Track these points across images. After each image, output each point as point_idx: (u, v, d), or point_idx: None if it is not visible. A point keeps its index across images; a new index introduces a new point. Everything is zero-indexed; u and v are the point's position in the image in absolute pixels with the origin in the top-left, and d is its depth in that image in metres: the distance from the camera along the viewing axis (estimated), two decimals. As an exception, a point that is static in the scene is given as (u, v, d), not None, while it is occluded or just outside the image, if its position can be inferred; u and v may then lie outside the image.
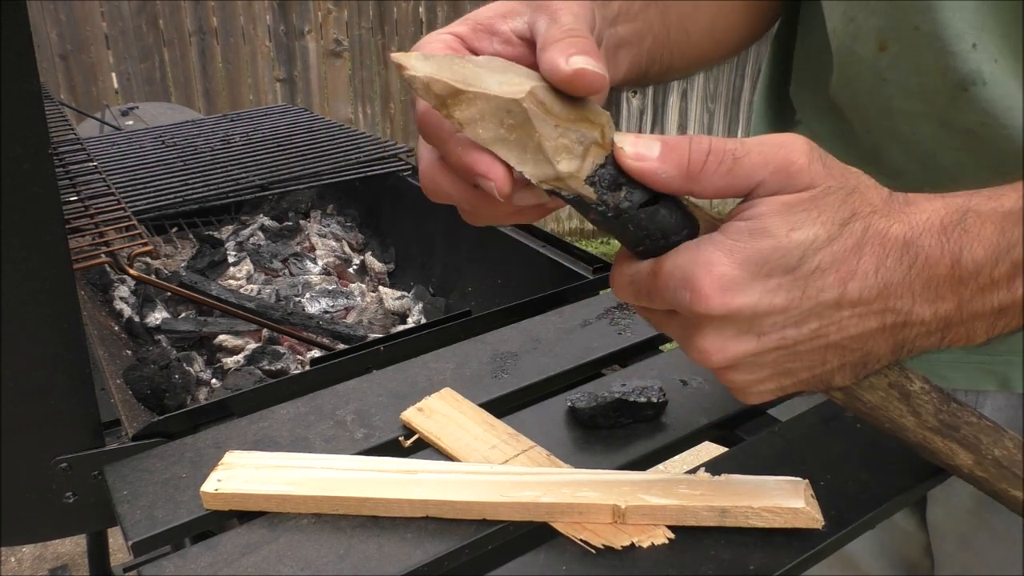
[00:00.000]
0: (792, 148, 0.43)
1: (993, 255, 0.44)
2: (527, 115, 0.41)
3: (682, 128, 3.75)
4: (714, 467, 0.58)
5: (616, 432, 0.64)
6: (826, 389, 0.49)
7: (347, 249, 1.32)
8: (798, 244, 0.42)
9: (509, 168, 0.42)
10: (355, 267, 1.29)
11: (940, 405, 0.51)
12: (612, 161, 0.43)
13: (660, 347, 0.79)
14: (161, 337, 1.06)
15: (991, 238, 0.44)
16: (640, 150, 0.42)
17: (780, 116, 0.81)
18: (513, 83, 0.41)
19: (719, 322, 0.43)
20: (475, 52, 0.48)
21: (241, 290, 1.15)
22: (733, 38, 0.73)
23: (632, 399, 0.64)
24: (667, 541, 0.53)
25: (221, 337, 1.07)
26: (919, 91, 0.60)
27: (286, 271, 1.23)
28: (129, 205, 1.06)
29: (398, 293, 1.19)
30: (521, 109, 0.41)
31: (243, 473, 0.58)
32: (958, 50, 0.56)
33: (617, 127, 0.44)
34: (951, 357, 0.69)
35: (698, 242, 0.44)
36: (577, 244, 1.00)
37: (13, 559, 2.06)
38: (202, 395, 0.98)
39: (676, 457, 0.65)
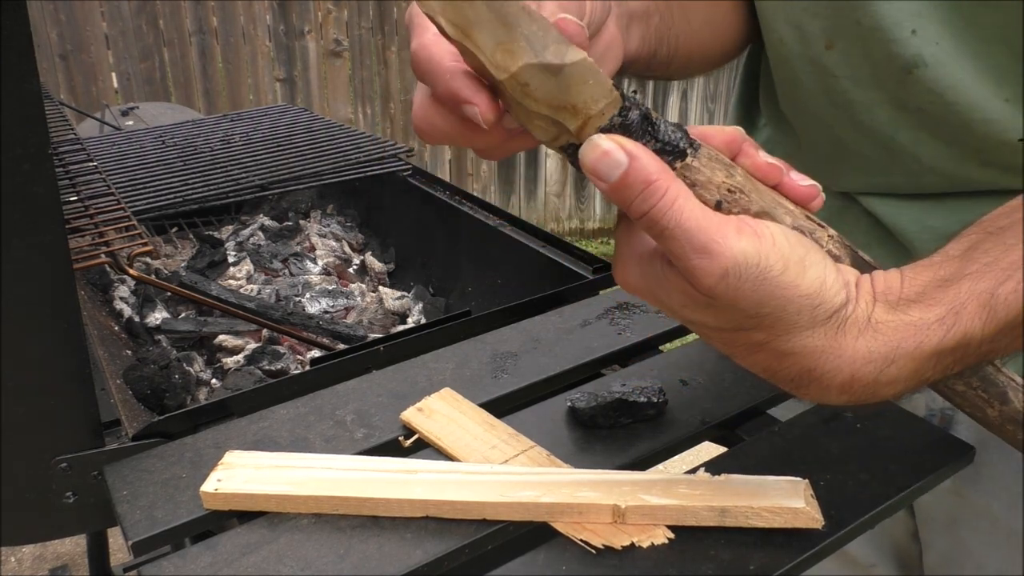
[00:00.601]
0: (707, 268, 0.41)
1: (900, 391, 0.45)
2: (505, 93, 0.40)
3: (682, 128, 3.74)
4: (714, 467, 0.58)
5: (616, 432, 0.64)
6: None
7: (347, 249, 1.32)
8: (688, 316, 0.44)
9: (495, 96, 0.42)
10: (355, 267, 1.29)
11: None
12: None
13: (660, 347, 0.79)
14: (161, 337, 1.06)
15: (904, 378, 0.45)
16: (600, 168, 0.41)
17: (751, 122, 0.85)
18: (509, 48, 0.39)
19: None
20: None
21: (241, 290, 1.15)
22: (731, 34, 0.75)
23: (632, 399, 0.64)
24: (667, 541, 0.53)
25: (221, 337, 1.07)
26: (870, 79, 0.64)
27: (286, 271, 1.23)
28: (129, 205, 1.06)
29: (398, 293, 1.19)
30: (501, 88, 0.40)
31: (243, 473, 0.58)
32: (898, 37, 0.60)
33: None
34: None
35: (636, 247, 0.45)
36: (577, 244, 1.00)
37: (13, 559, 2.06)
38: (202, 395, 0.98)
39: (676, 457, 0.65)
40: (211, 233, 1.31)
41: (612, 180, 0.41)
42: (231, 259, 1.23)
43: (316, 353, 1.00)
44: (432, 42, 0.44)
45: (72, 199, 1.04)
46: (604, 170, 0.41)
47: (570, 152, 0.42)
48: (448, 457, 0.62)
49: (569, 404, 0.65)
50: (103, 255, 0.91)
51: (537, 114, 0.40)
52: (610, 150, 0.41)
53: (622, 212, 0.46)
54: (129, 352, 0.99)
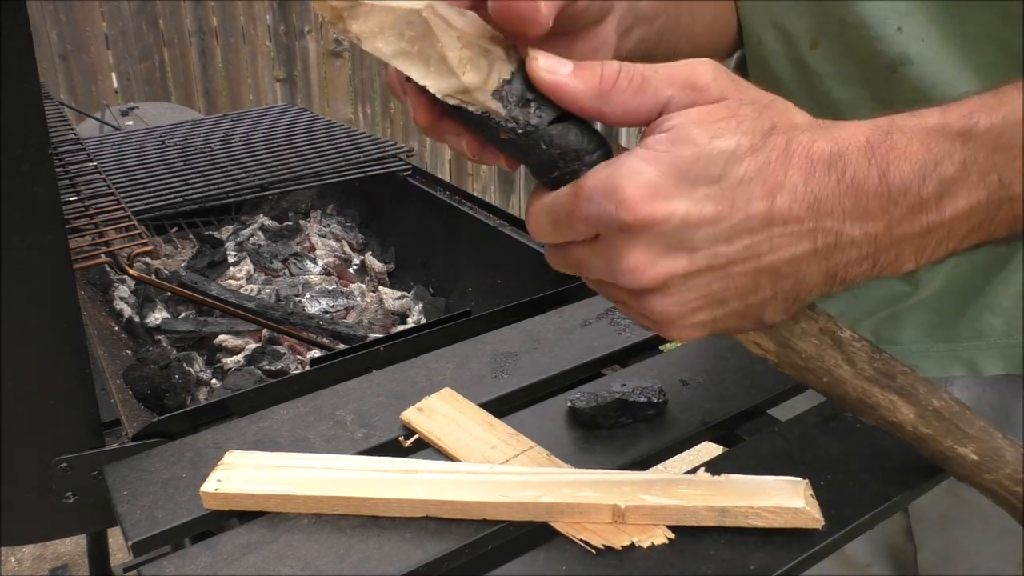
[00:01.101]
0: (696, 65, 0.42)
1: (920, 171, 0.44)
2: (428, 25, 0.39)
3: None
4: (714, 467, 0.58)
5: (616, 432, 0.64)
6: (758, 326, 0.47)
7: (347, 249, 1.32)
8: (721, 152, 0.40)
9: (430, 97, 0.41)
10: (355, 267, 1.29)
11: (872, 353, 0.51)
12: (521, 76, 0.41)
13: (660, 347, 0.79)
14: (161, 337, 1.06)
15: (917, 154, 0.44)
16: (553, 64, 0.41)
17: None
18: None
19: (648, 234, 0.41)
20: None
21: (241, 290, 1.15)
22: (727, 34, 0.75)
23: (632, 399, 0.64)
24: (667, 541, 0.53)
25: (221, 337, 1.07)
26: (855, 78, 0.64)
27: (286, 271, 1.23)
28: (129, 205, 1.06)
29: (398, 293, 1.19)
30: (422, 19, 0.39)
31: (243, 473, 0.58)
32: (883, 35, 0.60)
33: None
34: (919, 348, 0.71)
35: (619, 156, 0.42)
36: (577, 244, 1.00)
37: (13, 559, 2.06)
38: (202, 395, 0.98)
39: (676, 457, 0.65)
40: (211, 233, 1.31)
41: (569, 67, 0.41)
42: (231, 259, 1.23)
43: (316, 353, 1.00)
44: None
45: (72, 199, 1.04)
46: (558, 63, 0.42)
47: (509, 90, 0.41)
48: (448, 457, 0.62)
49: (569, 404, 0.65)
50: (103, 255, 0.91)
51: (469, 40, 0.40)
52: (549, 53, 0.42)
53: (538, 188, 0.45)
54: (129, 352, 0.99)
